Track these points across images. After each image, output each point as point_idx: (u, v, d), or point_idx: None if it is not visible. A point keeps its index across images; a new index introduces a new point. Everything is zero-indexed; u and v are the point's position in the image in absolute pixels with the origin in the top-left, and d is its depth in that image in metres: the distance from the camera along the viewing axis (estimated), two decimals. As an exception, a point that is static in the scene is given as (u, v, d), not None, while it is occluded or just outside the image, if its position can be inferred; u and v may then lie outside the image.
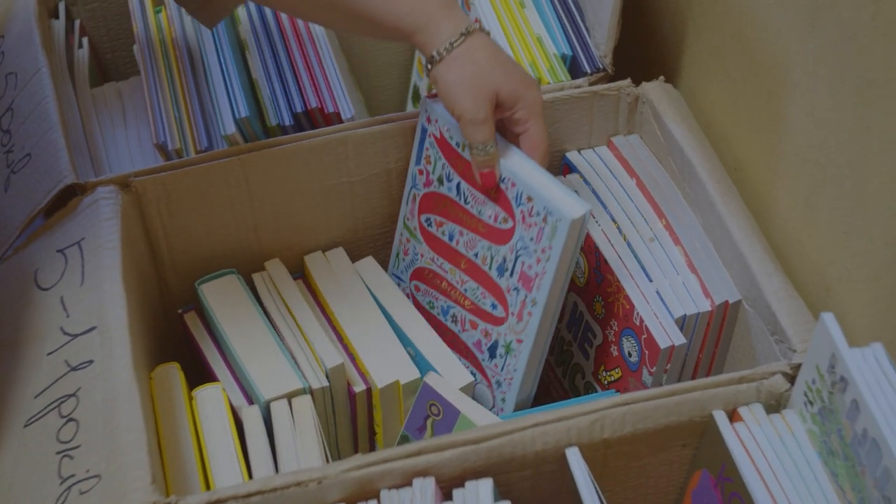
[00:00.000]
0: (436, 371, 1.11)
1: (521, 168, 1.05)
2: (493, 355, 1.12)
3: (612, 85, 1.16)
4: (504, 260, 1.08)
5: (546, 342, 1.08)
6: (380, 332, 1.14)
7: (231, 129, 1.13)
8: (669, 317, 1.06)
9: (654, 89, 1.16)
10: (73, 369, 0.96)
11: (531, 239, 1.05)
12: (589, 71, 1.18)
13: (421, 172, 1.16)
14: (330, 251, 1.21)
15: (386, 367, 1.11)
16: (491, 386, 1.13)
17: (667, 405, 0.92)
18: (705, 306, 1.06)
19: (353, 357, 1.12)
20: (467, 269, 1.13)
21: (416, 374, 1.11)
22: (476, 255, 1.11)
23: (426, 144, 1.14)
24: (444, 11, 1.03)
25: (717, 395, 0.93)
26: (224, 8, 1.07)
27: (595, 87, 1.16)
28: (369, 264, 1.21)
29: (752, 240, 1.04)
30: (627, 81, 1.17)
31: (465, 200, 1.12)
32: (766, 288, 1.00)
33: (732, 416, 0.93)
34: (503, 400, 1.12)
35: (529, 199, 1.04)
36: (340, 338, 1.13)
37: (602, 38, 1.16)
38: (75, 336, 0.98)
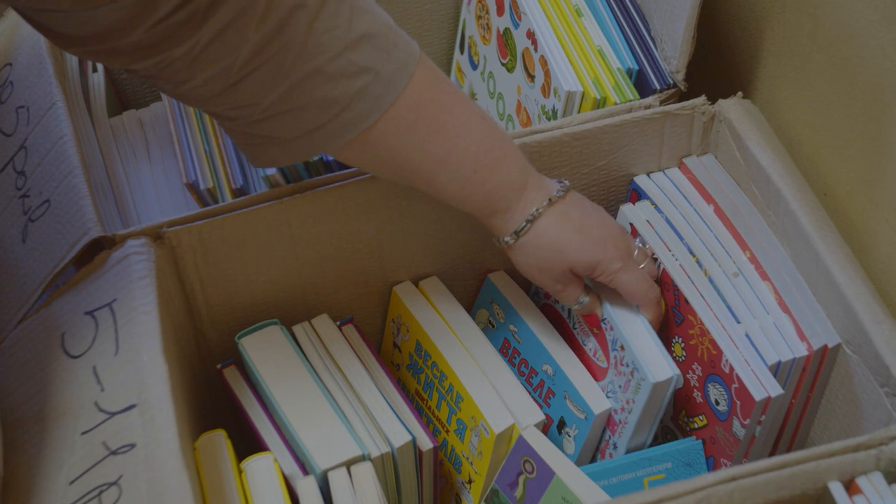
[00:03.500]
0: (578, 393, 1.05)
1: (621, 315, 1.03)
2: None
3: (685, 104, 1.06)
4: None
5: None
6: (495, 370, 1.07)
7: (271, 169, 1.03)
8: (763, 364, 0.97)
9: (733, 107, 1.06)
10: (113, 453, 0.87)
11: (619, 386, 1.03)
12: (658, 87, 1.07)
13: None
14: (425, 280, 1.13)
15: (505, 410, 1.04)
16: None
17: (777, 479, 0.83)
18: (801, 351, 0.96)
19: (460, 397, 1.05)
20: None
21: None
22: None
23: None
24: (519, 194, 0.97)
25: (832, 466, 0.83)
26: (284, 160, 0.93)
27: (667, 107, 1.06)
28: None
29: (853, 277, 0.94)
30: (702, 99, 1.06)
31: (574, 325, 1.09)
32: (876, 335, 0.90)
33: (850, 488, 0.84)
34: None
35: (622, 347, 1.01)
36: (445, 376, 1.07)
37: (673, 51, 1.06)
38: (113, 414, 0.89)
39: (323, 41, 0.85)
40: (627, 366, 1.01)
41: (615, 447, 1.05)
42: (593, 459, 1.09)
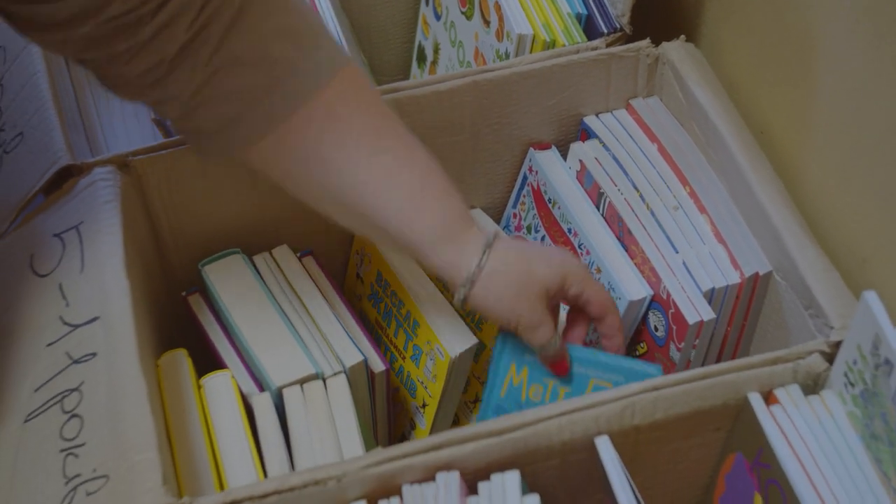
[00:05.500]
0: None
1: (597, 239, 1.07)
2: None
3: (630, 46, 1.11)
4: None
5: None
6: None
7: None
8: (697, 290, 1.02)
9: (675, 49, 1.11)
10: (76, 362, 0.92)
11: None
12: (605, 31, 1.12)
13: (515, 216, 1.17)
14: None
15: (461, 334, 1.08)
16: None
17: (699, 389, 0.88)
18: (734, 278, 1.02)
19: (417, 323, 1.09)
20: None
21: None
22: None
23: (524, 192, 1.15)
24: (461, 228, 0.95)
25: (752, 378, 0.88)
26: (217, 152, 0.96)
27: (613, 49, 1.11)
28: None
29: (782, 209, 0.99)
30: (646, 42, 1.11)
31: None
32: (800, 260, 0.95)
33: (768, 399, 0.89)
34: None
35: (599, 270, 1.05)
36: (403, 303, 1.11)
37: (619, -4, 1.11)
38: (76, 326, 0.94)
39: (242, 33, 0.88)
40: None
41: None
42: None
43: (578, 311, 1.01)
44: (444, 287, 1.10)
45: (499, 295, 0.95)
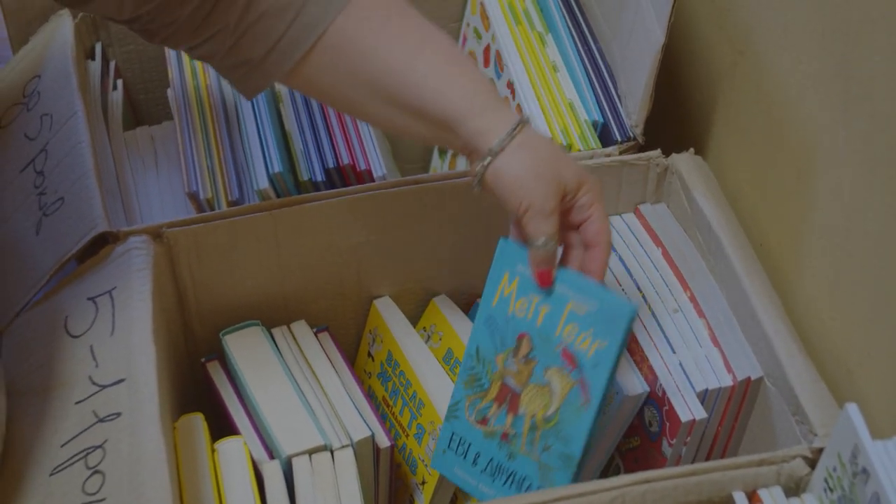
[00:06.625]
0: None
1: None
2: None
3: (642, 155, 1.17)
4: None
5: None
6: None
7: (264, 183, 1.14)
8: (691, 390, 1.07)
9: (684, 161, 1.17)
10: (101, 420, 0.97)
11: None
12: (619, 139, 1.19)
13: None
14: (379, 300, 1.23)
15: None
16: None
17: (686, 485, 0.93)
18: (727, 381, 1.07)
19: (422, 403, 1.14)
20: None
21: None
22: None
23: None
24: (497, 101, 0.98)
25: (737, 477, 0.93)
26: (263, 82, 1.03)
27: (625, 157, 1.17)
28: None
29: (776, 319, 1.04)
30: (657, 152, 1.18)
31: None
32: (790, 369, 1.01)
33: (752, 498, 0.94)
34: None
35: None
36: (410, 383, 1.16)
37: (634, 107, 1.17)
38: (104, 387, 0.99)
39: None
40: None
41: None
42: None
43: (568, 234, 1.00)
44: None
45: (520, 171, 0.95)
